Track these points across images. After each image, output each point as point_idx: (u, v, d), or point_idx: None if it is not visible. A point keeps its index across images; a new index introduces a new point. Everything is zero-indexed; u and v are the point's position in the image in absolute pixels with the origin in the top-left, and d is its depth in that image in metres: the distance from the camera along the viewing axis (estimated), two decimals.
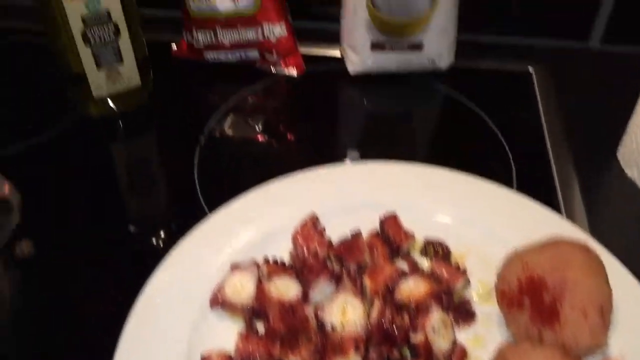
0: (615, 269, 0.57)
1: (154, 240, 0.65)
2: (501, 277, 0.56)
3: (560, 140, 0.74)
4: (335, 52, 0.86)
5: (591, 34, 0.86)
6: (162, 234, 0.65)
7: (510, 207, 0.64)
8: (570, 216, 0.66)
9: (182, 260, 0.59)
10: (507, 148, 0.73)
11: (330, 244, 0.60)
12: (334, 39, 0.86)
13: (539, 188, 0.67)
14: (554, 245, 0.56)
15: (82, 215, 0.67)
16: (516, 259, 0.56)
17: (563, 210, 0.66)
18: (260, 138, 0.76)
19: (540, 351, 0.50)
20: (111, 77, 0.74)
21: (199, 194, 0.68)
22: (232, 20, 0.80)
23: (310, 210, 0.62)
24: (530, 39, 0.87)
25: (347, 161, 0.72)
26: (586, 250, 0.55)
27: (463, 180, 0.67)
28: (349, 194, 0.66)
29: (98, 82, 0.74)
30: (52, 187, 0.70)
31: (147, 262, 0.58)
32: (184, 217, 0.64)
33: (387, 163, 0.68)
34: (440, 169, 0.67)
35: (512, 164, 0.71)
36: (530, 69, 0.83)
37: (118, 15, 0.71)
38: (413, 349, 0.52)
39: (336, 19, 0.83)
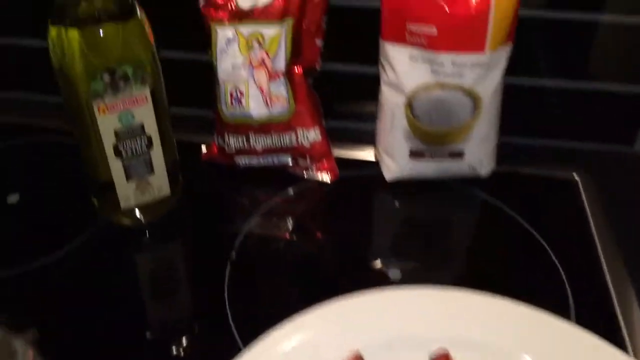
0: None
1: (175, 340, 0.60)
2: None
3: (614, 253, 0.69)
4: (369, 155, 0.84)
5: (636, 138, 0.83)
6: (185, 352, 0.60)
7: (574, 345, 0.58)
8: (634, 342, 0.60)
9: None
10: (557, 263, 0.68)
11: None
12: (366, 139, 0.84)
13: (597, 311, 0.62)
14: None
15: (102, 332, 0.63)
16: None
17: (625, 336, 0.61)
18: (293, 248, 0.72)
19: None
20: (140, 188, 0.72)
21: (229, 316, 0.63)
22: (266, 126, 0.78)
23: (352, 346, 0.57)
24: (573, 142, 0.84)
25: (390, 281, 0.68)
26: None
27: (525, 313, 0.60)
28: (395, 326, 0.60)
29: (127, 193, 0.71)
30: (69, 304, 0.66)
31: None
32: (212, 343, 0.60)
33: (436, 289, 0.63)
34: (495, 297, 0.62)
35: (566, 282, 0.66)
36: (576, 176, 0.80)
37: (152, 128, 0.69)
38: None
39: (368, 117, 0.81)
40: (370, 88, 0.80)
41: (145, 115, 0.68)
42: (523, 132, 0.86)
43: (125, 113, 0.67)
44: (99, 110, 0.66)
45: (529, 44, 0.80)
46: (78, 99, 0.65)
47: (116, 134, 0.67)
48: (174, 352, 0.61)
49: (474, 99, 0.71)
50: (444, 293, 0.63)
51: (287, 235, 0.74)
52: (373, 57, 0.78)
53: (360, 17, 0.82)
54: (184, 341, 0.63)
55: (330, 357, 0.56)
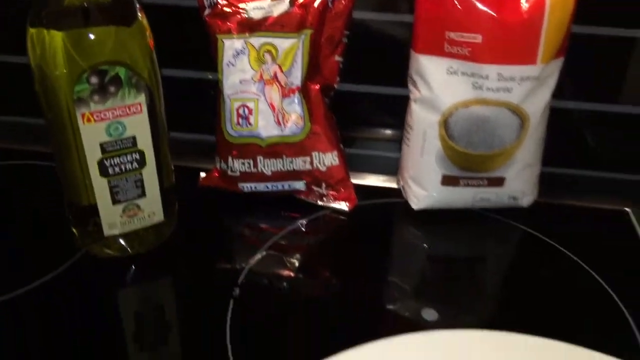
0: None
1: None
2: None
3: None
4: (389, 183, 0.74)
5: None
6: None
7: None
8: None
9: None
10: (618, 301, 0.58)
11: None
12: (384, 167, 0.75)
13: None
14: None
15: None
16: None
17: None
18: (305, 287, 0.61)
19: None
20: (128, 213, 0.61)
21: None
22: (277, 148, 0.68)
23: None
24: (622, 174, 0.76)
25: (423, 323, 0.57)
26: None
27: (574, 354, 0.51)
28: None
29: (112, 219, 0.60)
30: (47, 340, 0.54)
31: None
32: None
33: (477, 332, 0.53)
34: (542, 339, 0.52)
35: (632, 322, 0.56)
36: (627, 208, 0.71)
37: (146, 142, 0.59)
38: None
39: (386, 144, 0.72)
40: (391, 111, 0.72)
41: (139, 127, 0.58)
42: (567, 163, 0.77)
43: (114, 123, 0.57)
44: (83, 118, 0.55)
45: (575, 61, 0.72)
46: (59, 105, 0.55)
47: (102, 147, 0.57)
48: None
49: (521, 118, 0.62)
50: (497, 336, 0.53)
51: (299, 273, 0.63)
52: (394, 76, 0.69)
53: (384, 31, 0.74)
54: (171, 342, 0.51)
55: None
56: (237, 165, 0.69)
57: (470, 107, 0.62)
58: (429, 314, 0.58)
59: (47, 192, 0.71)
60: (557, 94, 0.64)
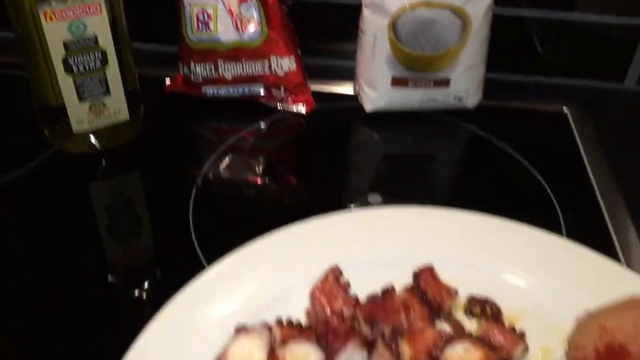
0: None
1: (139, 296, 0.53)
2: (574, 344, 0.45)
3: (608, 179, 0.65)
4: (347, 90, 0.78)
5: (627, 74, 0.79)
6: (149, 289, 0.54)
7: (566, 259, 0.54)
8: (631, 266, 0.56)
9: (174, 321, 0.48)
10: (547, 187, 0.64)
11: (357, 302, 0.49)
12: (344, 76, 0.79)
13: (592, 237, 0.57)
14: (635, 304, 0.46)
15: (57, 265, 0.56)
16: (592, 323, 0.45)
17: (622, 259, 0.57)
18: (265, 182, 0.66)
19: None
20: (95, 110, 0.65)
21: (196, 245, 0.57)
22: (236, 52, 0.71)
23: (331, 261, 0.51)
24: (562, 78, 0.80)
25: (370, 205, 0.62)
26: None
27: (508, 227, 0.57)
28: (375, 244, 0.55)
29: (79, 115, 0.64)
30: (22, 233, 0.59)
31: (131, 323, 0.47)
32: (178, 270, 0.53)
33: (418, 207, 0.58)
34: (480, 215, 0.57)
35: (558, 209, 0.61)
36: (565, 109, 0.75)
37: (107, 42, 0.62)
38: None
39: (346, 55, 0.75)
40: (348, 23, 0.75)
41: (99, 26, 0.61)
42: (510, 68, 0.81)
43: (75, 22, 0.60)
44: (45, 17, 0.58)
45: None
46: (23, 9, 0.58)
47: (65, 45, 0.60)
48: (137, 275, 0.55)
49: (464, 20, 0.66)
50: (427, 211, 0.58)
51: (259, 167, 0.68)
52: None
53: None
54: (147, 264, 0.56)
55: (309, 278, 0.51)
56: (199, 70, 0.73)
57: (417, 10, 0.66)
58: (374, 198, 0.63)
59: (17, 99, 0.75)
60: (512, 1, 0.68)
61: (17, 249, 0.57)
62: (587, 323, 0.45)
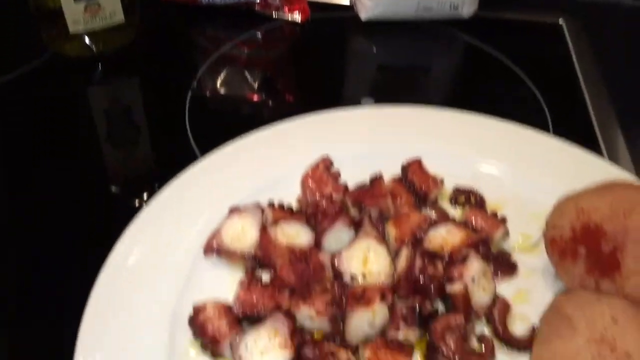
0: None
1: (136, 190, 0.55)
2: (552, 224, 0.47)
3: (599, 90, 0.66)
4: (344, 1, 0.78)
5: None
6: (146, 184, 0.56)
7: (550, 153, 0.56)
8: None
9: (171, 203, 0.50)
10: (539, 96, 0.65)
11: (346, 189, 0.51)
12: None
13: (578, 137, 0.59)
14: (612, 188, 0.48)
15: (56, 163, 0.58)
16: (569, 205, 0.47)
17: (605, 154, 0.59)
18: (259, 88, 0.67)
19: (606, 302, 0.42)
20: (90, 11, 0.65)
21: (192, 143, 0.58)
22: None
23: (322, 154, 0.53)
24: None
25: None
26: None
27: (496, 125, 0.58)
28: (366, 139, 0.57)
29: (75, 16, 0.64)
30: (19, 134, 0.60)
31: (130, 213, 0.49)
32: (174, 168, 0.55)
33: (409, 106, 0.60)
34: (469, 114, 0.59)
35: (547, 113, 0.62)
36: (561, 21, 0.75)
37: None
38: (449, 300, 0.43)
39: None
40: None
41: None
42: None
43: None
44: None
45: None
46: None
47: None
48: (133, 168, 0.57)
49: None
50: (417, 110, 0.59)
51: (253, 73, 0.68)
52: None
53: None
54: (145, 160, 0.58)
55: (301, 169, 0.52)
56: None
57: None
58: (367, 102, 0.64)
59: (14, 2, 0.74)
60: None
61: (15, 151, 0.59)
62: (565, 204, 0.47)
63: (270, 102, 0.66)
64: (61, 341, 0.41)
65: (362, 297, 0.42)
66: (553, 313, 0.43)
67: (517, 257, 0.49)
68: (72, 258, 0.49)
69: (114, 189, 0.57)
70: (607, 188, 0.47)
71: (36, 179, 0.56)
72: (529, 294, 0.47)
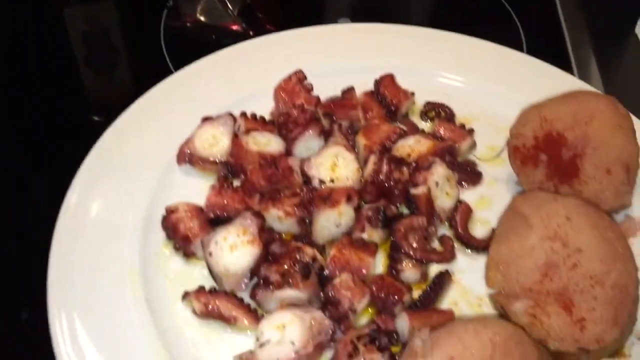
0: (638, 126, 0.49)
1: (116, 112, 0.56)
2: (515, 133, 0.48)
3: (574, 11, 0.66)
4: None
5: None
6: (124, 105, 0.56)
7: (521, 70, 0.56)
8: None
9: (146, 113, 0.50)
10: (514, 16, 0.65)
11: (318, 101, 0.52)
12: None
13: (551, 57, 0.59)
14: (576, 97, 0.49)
15: (34, 86, 0.58)
16: (533, 114, 0.48)
17: (577, 75, 0.59)
18: (233, 5, 0.67)
19: (561, 201, 0.43)
20: None
21: (167, 59, 0.59)
22: None
23: (296, 68, 0.53)
24: None
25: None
26: (612, 103, 0.48)
27: (469, 42, 0.59)
28: (339, 55, 0.57)
29: None
30: None
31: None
32: (149, 79, 0.55)
33: (382, 24, 0.60)
34: (440, 31, 0.59)
35: (522, 33, 0.63)
36: None
37: None
38: (413, 204, 0.45)
39: None
40: None
41: None
42: None
43: None
44: None
45: None
46: None
47: None
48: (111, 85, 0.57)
49: None
50: (390, 27, 0.60)
51: None
52: None
53: None
54: (120, 75, 0.59)
55: (274, 84, 0.53)
56: None
57: None
58: (343, 21, 0.65)
59: None
60: None
61: None
62: (529, 113, 0.48)
63: (242, 16, 0.66)
64: (37, 247, 0.43)
65: (328, 198, 0.43)
66: (510, 213, 0.45)
67: (482, 167, 0.51)
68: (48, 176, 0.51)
69: (92, 111, 0.58)
70: (571, 96, 0.48)
71: (15, 102, 0.57)
72: (491, 200, 0.49)
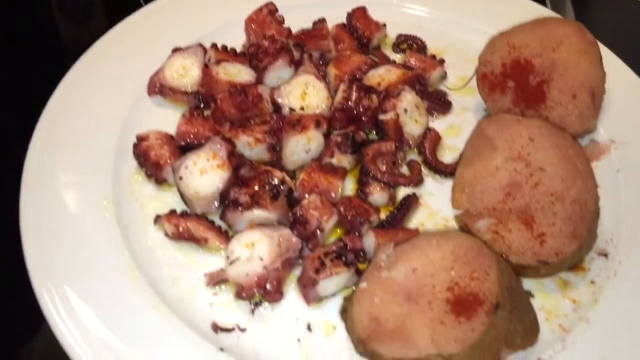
0: (605, 54, 0.50)
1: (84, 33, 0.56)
2: (484, 61, 0.49)
3: None
4: None
5: None
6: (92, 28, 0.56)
7: (495, 3, 0.57)
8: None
9: (115, 44, 0.51)
10: None
11: (289, 32, 0.52)
12: None
13: None
14: (544, 24, 0.49)
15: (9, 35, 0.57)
16: (501, 41, 0.49)
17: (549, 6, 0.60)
18: None
19: (525, 123, 0.44)
20: None
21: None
22: None
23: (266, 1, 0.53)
24: None
25: None
26: (580, 29, 0.48)
27: None
28: None
29: None
30: None
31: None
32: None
33: None
34: None
35: None
36: None
37: None
38: (381, 128, 0.46)
39: None
40: None
41: None
42: None
43: None
44: None
45: None
46: None
47: None
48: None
49: None
50: None
51: None
52: None
53: None
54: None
55: (245, 12, 0.53)
56: None
57: None
58: None
59: None
60: None
61: None
62: (497, 41, 0.49)
63: None
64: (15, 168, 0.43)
65: (297, 123, 0.44)
66: (476, 136, 0.45)
67: (453, 97, 0.51)
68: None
69: (67, 58, 0.58)
70: (539, 23, 0.49)
71: None
72: (460, 128, 0.50)
